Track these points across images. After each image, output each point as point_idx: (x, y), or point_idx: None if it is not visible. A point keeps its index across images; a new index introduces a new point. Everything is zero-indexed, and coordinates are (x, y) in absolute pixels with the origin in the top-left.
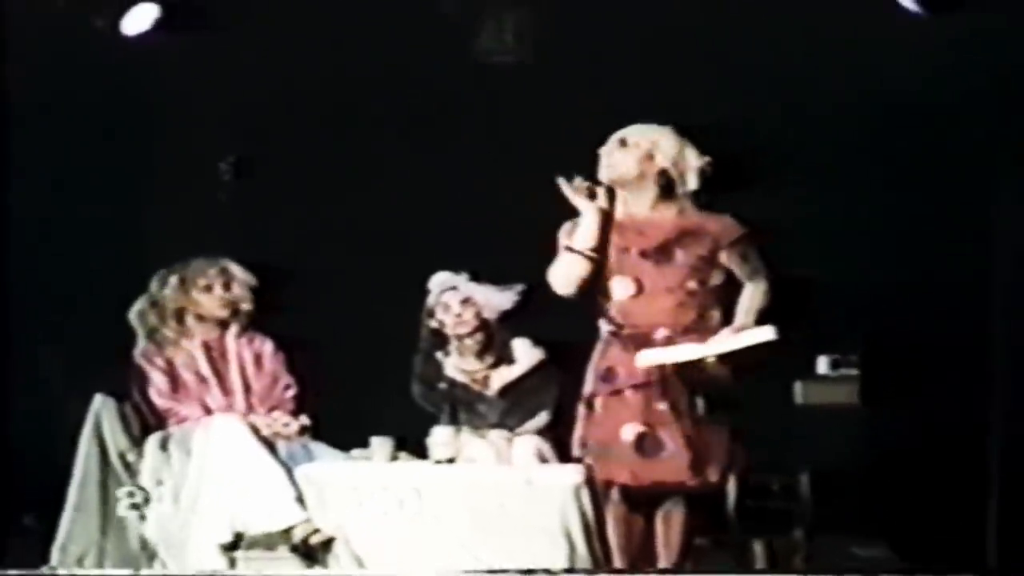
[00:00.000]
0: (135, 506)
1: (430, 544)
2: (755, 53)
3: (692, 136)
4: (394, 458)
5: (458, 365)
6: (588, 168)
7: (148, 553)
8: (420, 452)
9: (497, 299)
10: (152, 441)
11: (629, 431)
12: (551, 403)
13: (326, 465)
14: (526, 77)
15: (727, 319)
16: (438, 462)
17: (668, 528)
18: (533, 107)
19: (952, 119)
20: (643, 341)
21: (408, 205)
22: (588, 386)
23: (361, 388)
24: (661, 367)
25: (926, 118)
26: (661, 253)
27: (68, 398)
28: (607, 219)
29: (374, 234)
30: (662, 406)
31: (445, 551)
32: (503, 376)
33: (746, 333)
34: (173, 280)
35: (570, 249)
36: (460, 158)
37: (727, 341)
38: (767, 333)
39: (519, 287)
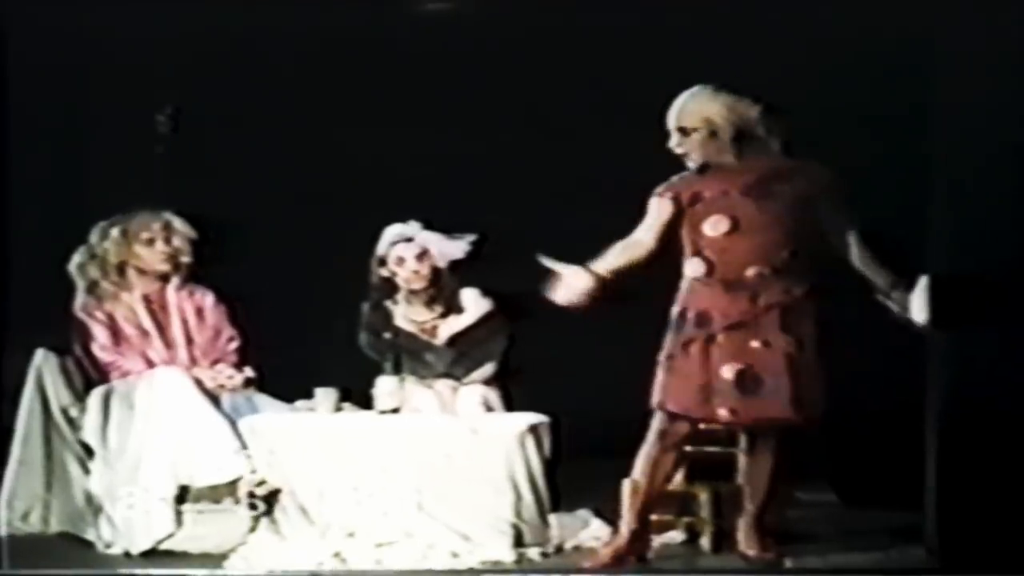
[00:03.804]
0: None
1: (376, 494)
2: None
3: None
4: (338, 409)
5: (407, 314)
6: (534, 116)
7: (93, 508)
8: (365, 403)
9: (449, 248)
10: (95, 395)
11: (729, 370)
12: (499, 353)
13: (270, 416)
14: (462, 23)
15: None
16: (383, 412)
17: (757, 470)
18: (471, 55)
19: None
20: (734, 280)
21: (348, 155)
22: (681, 333)
23: (305, 339)
24: (754, 305)
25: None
26: (762, 187)
27: (9, 354)
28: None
29: (312, 184)
30: (756, 344)
31: (391, 500)
32: (451, 326)
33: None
34: (115, 233)
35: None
36: (401, 107)
37: None
38: None
39: (470, 237)
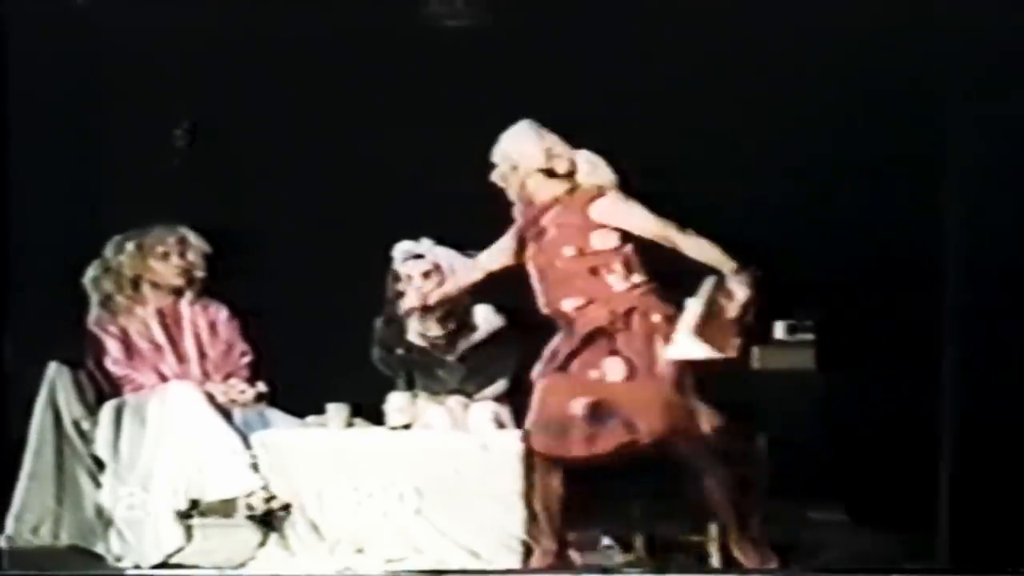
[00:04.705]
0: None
1: (385, 510)
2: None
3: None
4: (350, 424)
5: (420, 330)
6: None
7: (104, 521)
8: (376, 418)
9: (461, 265)
10: (107, 409)
11: (576, 405)
12: (510, 370)
13: (282, 431)
14: (479, 40)
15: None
16: (394, 428)
17: (709, 492)
18: (491, 72)
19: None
20: (557, 315)
21: (364, 171)
22: (536, 367)
23: (317, 355)
24: (580, 336)
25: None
26: (534, 228)
27: (23, 366)
28: None
29: (327, 200)
30: (594, 373)
31: (400, 515)
32: (464, 342)
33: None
34: (130, 247)
35: None
36: (419, 123)
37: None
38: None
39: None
